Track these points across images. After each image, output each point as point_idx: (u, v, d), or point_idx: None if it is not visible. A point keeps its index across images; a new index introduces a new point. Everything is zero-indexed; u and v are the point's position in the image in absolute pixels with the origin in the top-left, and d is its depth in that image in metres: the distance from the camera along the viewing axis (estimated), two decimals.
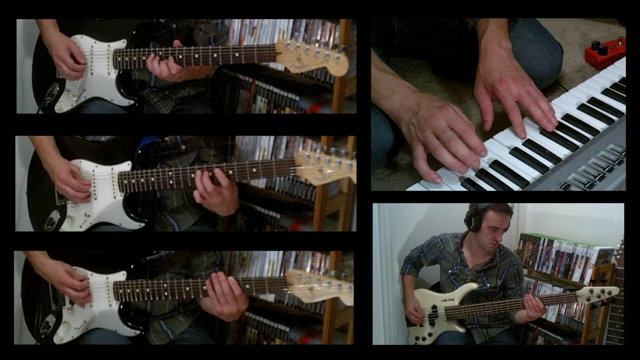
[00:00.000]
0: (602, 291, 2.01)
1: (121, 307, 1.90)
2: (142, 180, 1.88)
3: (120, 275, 1.89)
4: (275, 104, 2.15)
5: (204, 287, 1.83)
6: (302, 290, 1.77)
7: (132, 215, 1.91)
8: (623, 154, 1.85)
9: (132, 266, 1.89)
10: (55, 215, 1.97)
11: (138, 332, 1.90)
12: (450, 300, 2.27)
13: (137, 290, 1.87)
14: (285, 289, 1.79)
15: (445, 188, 1.81)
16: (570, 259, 2.34)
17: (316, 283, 1.76)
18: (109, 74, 1.97)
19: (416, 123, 1.84)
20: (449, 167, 1.81)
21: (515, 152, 1.90)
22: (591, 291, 2.02)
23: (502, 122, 2.00)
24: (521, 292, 2.26)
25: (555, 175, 1.82)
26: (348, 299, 1.75)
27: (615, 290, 2.02)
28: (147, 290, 1.87)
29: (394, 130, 1.97)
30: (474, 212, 2.19)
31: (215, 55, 1.86)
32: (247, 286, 1.81)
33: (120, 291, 1.89)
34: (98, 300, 1.91)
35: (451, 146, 1.79)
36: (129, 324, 1.90)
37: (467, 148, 1.79)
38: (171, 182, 1.86)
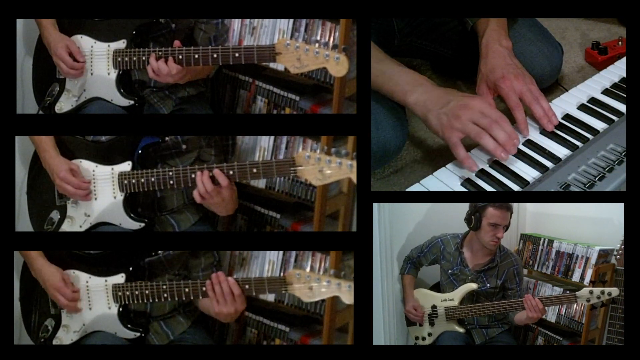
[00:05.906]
0: (602, 292, 2.01)
1: (120, 309, 1.89)
2: (143, 180, 1.88)
3: (119, 278, 1.89)
4: (275, 104, 2.15)
5: (204, 288, 1.82)
6: (301, 290, 1.77)
7: (132, 215, 1.91)
8: (623, 154, 1.85)
9: (130, 268, 1.89)
10: (55, 215, 1.97)
11: (138, 334, 1.90)
12: (450, 300, 2.27)
13: (136, 293, 1.87)
14: (285, 289, 1.79)
15: (445, 188, 1.81)
16: (570, 259, 2.34)
17: (315, 282, 1.76)
18: (109, 74, 1.97)
19: (450, 112, 1.82)
20: (491, 152, 1.80)
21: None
22: (591, 292, 2.02)
23: None
24: (520, 293, 2.26)
25: (555, 175, 1.82)
26: (348, 298, 1.75)
27: (615, 291, 2.02)
28: (146, 292, 1.87)
29: (397, 129, 1.97)
30: (474, 210, 2.19)
31: (215, 55, 1.86)
32: (247, 286, 1.81)
33: (119, 294, 1.88)
34: (97, 303, 1.90)
35: (493, 129, 1.78)
36: (129, 326, 1.90)
37: (505, 133, 1.80)
38: (171, 182, 1.86)
